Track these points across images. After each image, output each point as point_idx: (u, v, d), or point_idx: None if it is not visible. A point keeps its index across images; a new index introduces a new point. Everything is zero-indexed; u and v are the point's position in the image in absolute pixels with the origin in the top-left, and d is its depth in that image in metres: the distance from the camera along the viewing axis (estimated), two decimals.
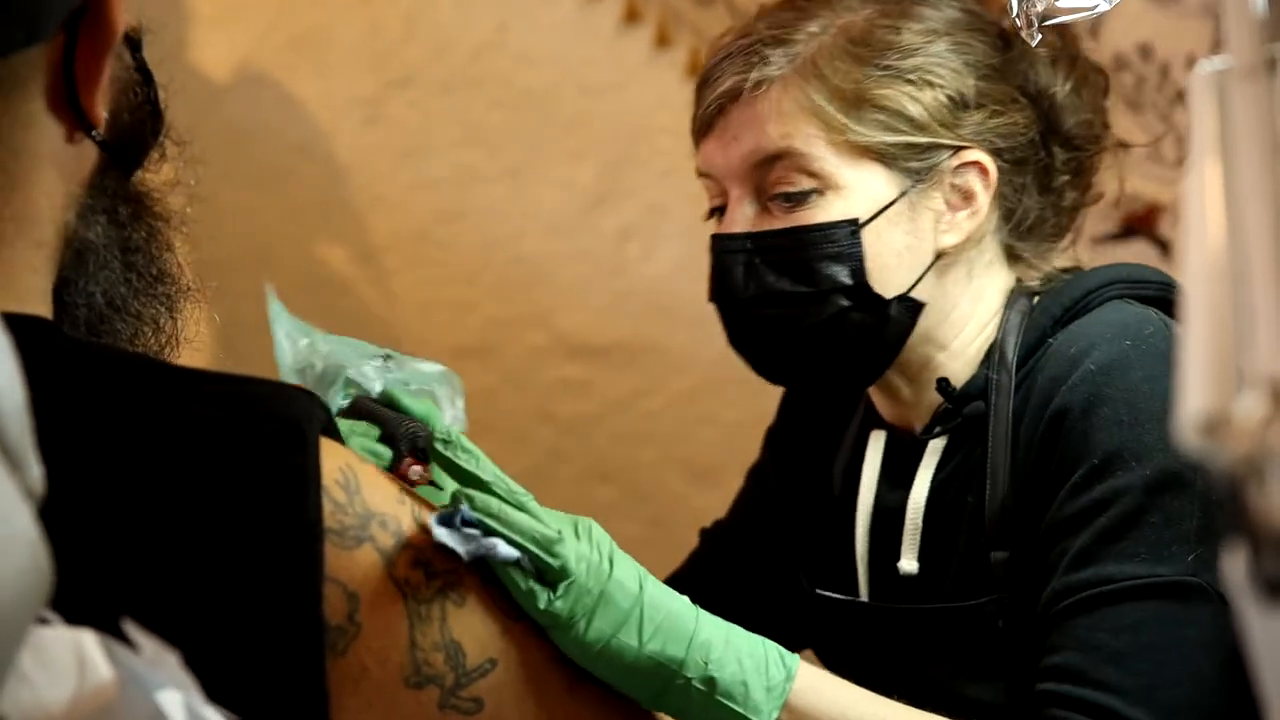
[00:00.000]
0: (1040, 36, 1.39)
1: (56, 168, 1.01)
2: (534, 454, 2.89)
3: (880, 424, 1.61)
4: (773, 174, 1.48)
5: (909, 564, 1.53)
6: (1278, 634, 0.58)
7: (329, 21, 2.98)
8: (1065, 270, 1.57)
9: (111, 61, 1.01)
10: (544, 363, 2.95)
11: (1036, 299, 1.54)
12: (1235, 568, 0.58)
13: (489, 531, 1.05)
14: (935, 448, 1.53)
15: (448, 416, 1.24)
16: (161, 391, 0.96)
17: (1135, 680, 1.30)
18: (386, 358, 1.23)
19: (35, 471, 0.75)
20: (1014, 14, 1.31)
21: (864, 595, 1.58)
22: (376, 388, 1.21)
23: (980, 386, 1.51)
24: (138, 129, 1.07)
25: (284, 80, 2.99)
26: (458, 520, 1.03)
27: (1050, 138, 1.55)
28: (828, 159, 1.46)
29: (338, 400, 1.20)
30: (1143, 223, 2.62)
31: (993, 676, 1.24)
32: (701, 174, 1.55)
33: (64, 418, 0.92)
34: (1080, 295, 1.50)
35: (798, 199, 1.47)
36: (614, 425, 2.95)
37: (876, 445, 1.60)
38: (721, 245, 1.50)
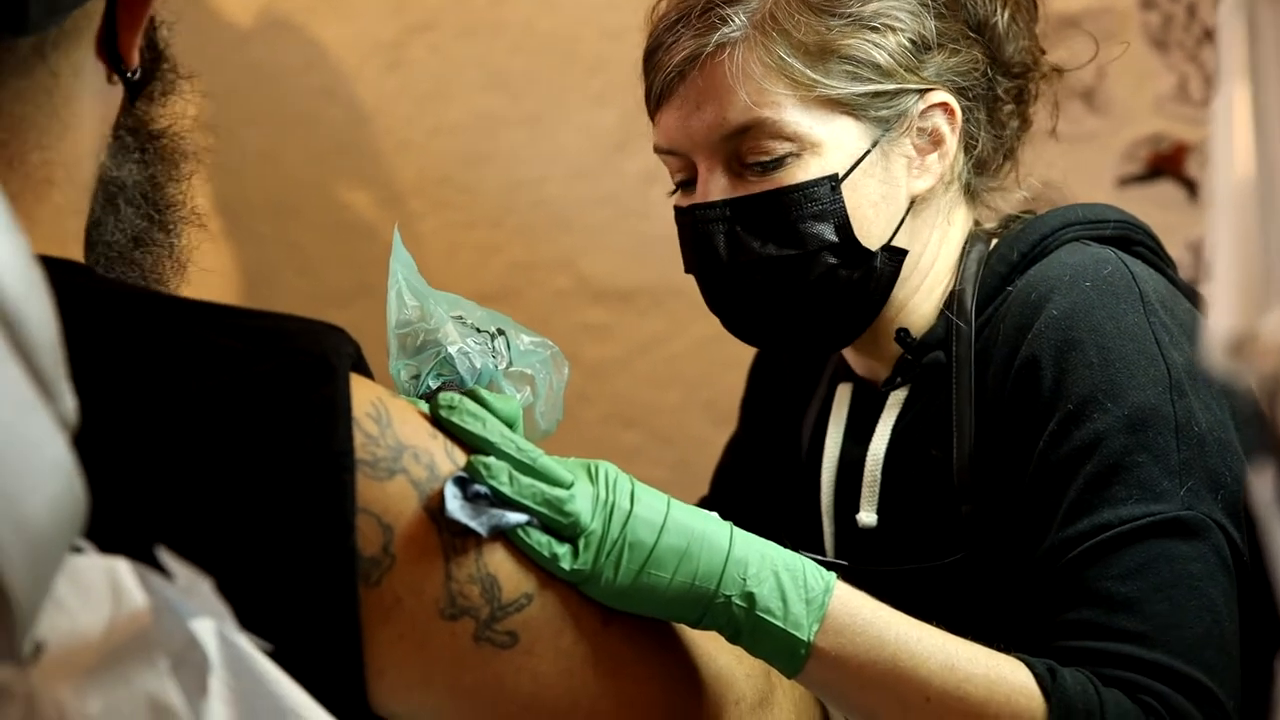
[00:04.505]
0: None
1: (97, 110, 1.02)
2: None
3: (849, 377, 1.61)
4: (744, 144, 1.45)
5: (868, 516, 1.52)
6: None
7: None
8: (1022, 214, 1.56)
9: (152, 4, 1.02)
10: (568, 307, 2.95)
11: (994, 243, 1.53)
12: (1262, 485, 0.58)
13: (500, 497, 1.05)
14: (896, 399, 1.53)
15: (540, 406, 1.22)
16: (191, 326, 0.97)
17: (1152, 623, 1.29)
18: (498, 333, 1.21)
19: (69, 402, 0.75)
20: None
21: (829, 550, 1.58)
22: (477, 364, 1.20)
23: (940, 336, 1.51)
24: (147, 67, 1.08)
25: (307, 24, 2.99)
26: (470, 492, 1.04)
27: (994, 68, 1.54)
28: (800, 120, 1.44)
29: (428, 380, 1.19)
30: (1169, 163, 2.60)
31: (964, 633, 1.23)
32: (662, 151, 1.51)
33: (97, 352, 0.93)
34: (1037, 239, 1.50)
35: (774, 165, 1.45)
36: (638, 369, 2.95)
37: (843, 399, 1.60)
38: (698, 215, 1.47)
